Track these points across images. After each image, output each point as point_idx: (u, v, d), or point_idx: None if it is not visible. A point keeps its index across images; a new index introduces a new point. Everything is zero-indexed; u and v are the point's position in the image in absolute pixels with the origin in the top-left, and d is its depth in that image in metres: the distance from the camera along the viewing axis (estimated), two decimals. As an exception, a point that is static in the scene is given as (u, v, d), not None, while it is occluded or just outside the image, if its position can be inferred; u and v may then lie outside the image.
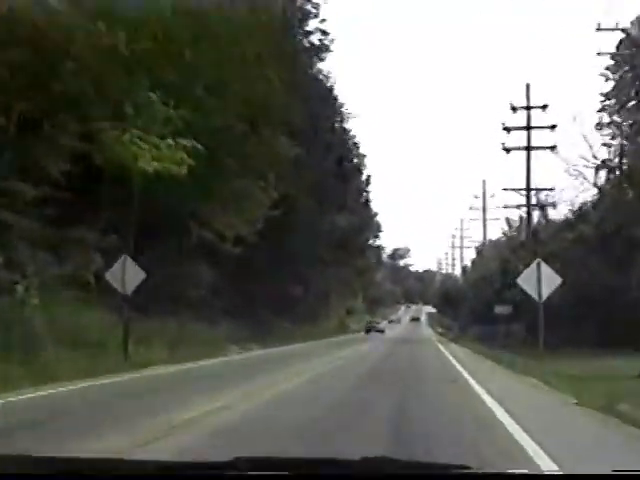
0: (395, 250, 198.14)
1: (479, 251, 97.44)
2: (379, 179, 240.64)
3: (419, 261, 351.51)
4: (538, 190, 37.93)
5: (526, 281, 21.03)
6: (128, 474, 2.10)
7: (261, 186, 31.41)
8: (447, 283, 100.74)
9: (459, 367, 22.47)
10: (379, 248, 73.00)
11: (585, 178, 37.78)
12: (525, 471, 2.29)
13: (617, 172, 37.97)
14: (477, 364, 25.18)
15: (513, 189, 35.75)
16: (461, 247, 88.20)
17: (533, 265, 21.02)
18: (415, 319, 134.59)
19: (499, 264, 54.07)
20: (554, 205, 43.11)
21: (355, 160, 67.27)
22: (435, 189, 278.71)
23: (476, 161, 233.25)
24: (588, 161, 36.76)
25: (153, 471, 2.13)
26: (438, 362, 26.55)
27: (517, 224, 59.42)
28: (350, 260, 66.72)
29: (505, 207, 42.43)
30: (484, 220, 66.66)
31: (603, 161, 37.65)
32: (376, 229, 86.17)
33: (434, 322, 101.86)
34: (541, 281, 20.47)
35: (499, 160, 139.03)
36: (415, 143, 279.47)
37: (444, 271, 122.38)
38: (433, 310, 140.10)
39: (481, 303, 51.09)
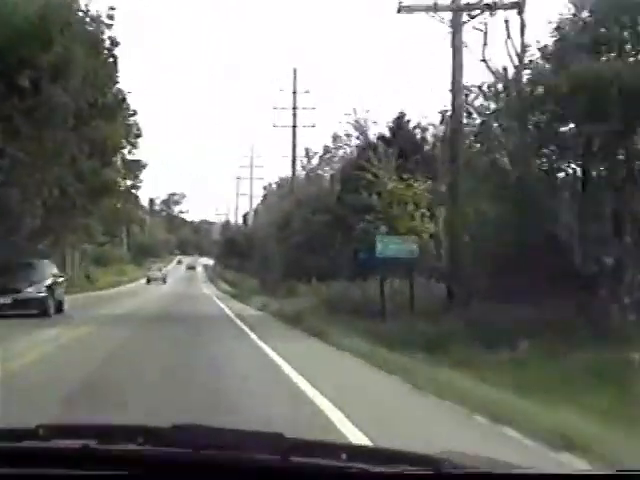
0: (170, 195, 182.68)
1: (265, 195, 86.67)
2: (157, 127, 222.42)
3: (195, 212, 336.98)
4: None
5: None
6: None
7: None
8: (231, 230, 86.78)
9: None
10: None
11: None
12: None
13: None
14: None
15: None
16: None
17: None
18: (191, 267, 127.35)
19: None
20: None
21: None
22: (212, 144, 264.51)
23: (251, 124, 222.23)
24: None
25: None
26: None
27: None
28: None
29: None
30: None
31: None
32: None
33: (215, 276, 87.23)
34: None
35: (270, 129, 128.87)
36: (196, 101, 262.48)
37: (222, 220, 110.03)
38: (210, 262, 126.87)
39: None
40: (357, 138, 43.47)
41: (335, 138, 59.95)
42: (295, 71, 46.95)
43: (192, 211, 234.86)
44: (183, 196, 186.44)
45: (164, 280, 66.36)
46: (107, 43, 39.21)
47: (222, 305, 32.76)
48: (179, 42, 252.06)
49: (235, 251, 74.46)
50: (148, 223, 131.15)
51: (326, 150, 64.50)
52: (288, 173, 51.31)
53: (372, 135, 37.73)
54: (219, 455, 1.88)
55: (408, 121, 33.91)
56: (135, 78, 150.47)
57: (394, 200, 24.55)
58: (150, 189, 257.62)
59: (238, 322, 21.87)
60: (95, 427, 2.29)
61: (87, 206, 42.11)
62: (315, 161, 67.09)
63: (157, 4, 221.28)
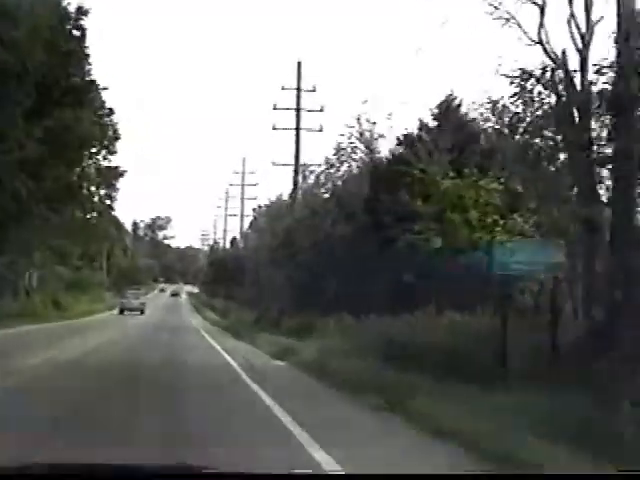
0: (155, 219, 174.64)
1: (254, 217, 79.41)
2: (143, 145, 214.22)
3: (180, 238, 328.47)
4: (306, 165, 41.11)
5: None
6: None
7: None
8: (219, 253, 78.39)
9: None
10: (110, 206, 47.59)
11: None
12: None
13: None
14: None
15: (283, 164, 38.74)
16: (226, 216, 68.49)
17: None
18: (175, 294, 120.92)
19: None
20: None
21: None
22: (200, 162, 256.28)
23: (243, 134, 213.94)
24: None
25: None
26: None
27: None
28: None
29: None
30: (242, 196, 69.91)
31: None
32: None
33: (200, 304, 78.54)
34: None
35: (267, 135, 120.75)
36: (181, 115, 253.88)
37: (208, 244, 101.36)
38: (195, 290, 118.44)
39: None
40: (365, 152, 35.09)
41: (338, 150, 51.43)
42: (299, 65, 38.75)
43: (178, 237, 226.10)
44: (168, 220, 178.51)
45: (142, 311, 53.38)
46: (72, 10, 31.24)
47: (215, 344, 24.20)
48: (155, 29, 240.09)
49: (223, 276, 66.16)
50: (130, 247, 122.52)
51: (328, 163, 55.93)
52: (284, 191, 43.40)
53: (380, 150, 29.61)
54: None
55: (458, 106, 25.98)
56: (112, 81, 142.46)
57: (452, 203, 18.13)
58: (133, 212, 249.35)
59: (262, 396, 11.41)
60: (87, 466, 2.37)
61: (46, 214, 33.86)
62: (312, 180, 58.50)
63: None
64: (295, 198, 40.05)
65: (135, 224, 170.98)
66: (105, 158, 44.17)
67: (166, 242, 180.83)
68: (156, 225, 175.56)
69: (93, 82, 34.01)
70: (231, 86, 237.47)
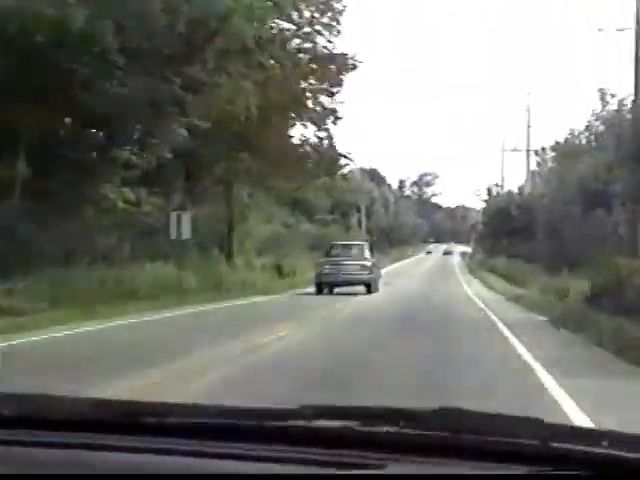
0: (421, 176, 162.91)
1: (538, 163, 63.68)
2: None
3: (449, 198, 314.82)
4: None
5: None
6: (182, 421, 1.92)
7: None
8: (497, 202, 63.13)
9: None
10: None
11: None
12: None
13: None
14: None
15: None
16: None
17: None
18: (447, 253, 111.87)
19: None
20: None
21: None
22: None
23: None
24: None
25: (212, 417, 1.99)
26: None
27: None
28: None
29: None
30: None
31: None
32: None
33: (476, 265, 63.97)
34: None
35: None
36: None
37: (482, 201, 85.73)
38: (468, 249, 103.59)
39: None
40: None
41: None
42: None
43: (446, 196, 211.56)
44: (435, 176, 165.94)
45: (367, 285, 27.75)
46: None
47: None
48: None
49: (503, 230, 51.54)
50: (393, 204, 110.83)
51: None
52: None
53: None
54: (477, 439, 1.80)
55: None
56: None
57: None
58: (399, 171, 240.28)
59: None
60: (355, 409, 2.19)
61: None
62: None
63: None
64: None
65: (401, 182, 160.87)
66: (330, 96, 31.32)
67: (434, 201, 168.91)
68: (423, 182, 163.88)
69: None
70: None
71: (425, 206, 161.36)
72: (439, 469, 1.67)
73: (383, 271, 36.39)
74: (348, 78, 31.13)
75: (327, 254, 29.12)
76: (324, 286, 27.47)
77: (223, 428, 1.85)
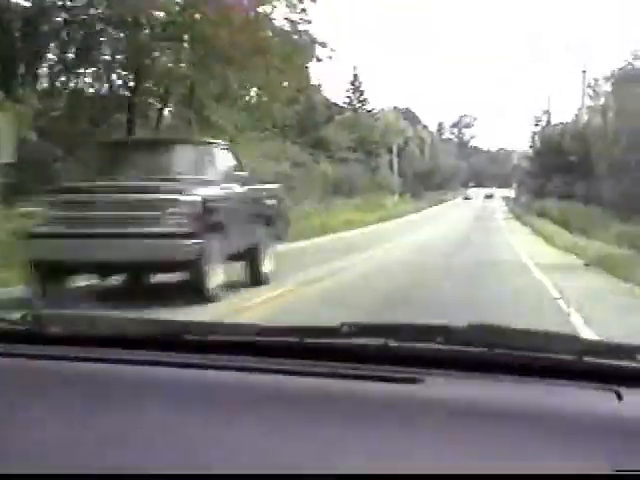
0: (460, 117, 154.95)
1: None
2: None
3: (489, 142, 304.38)
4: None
5: None
6: (222, 339, 1.97)
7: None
8: (549, 135, 55.40)
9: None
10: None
11: None
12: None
13: None
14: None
15: None
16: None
17: None
18: (489, 196, 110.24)
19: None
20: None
21: None
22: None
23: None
24: None
25: (250, 337, 2.01)
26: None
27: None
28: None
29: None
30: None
31: None
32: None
33: (522, 210, 56.45)
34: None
35: None
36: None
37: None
38: (511, 194, 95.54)
39: None
40: None
41: None
42: None
43: (487, 141, 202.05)
44: (474, 119, 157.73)
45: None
46: None
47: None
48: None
49: (555, 167, 44.26)
50: (430, 146, 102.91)
51: None
52: None
53: None
54: (513, 354, 1.83)
55: None
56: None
57: None
58: (438, 114, 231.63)
59: None
60: (395, 326, 2.17)
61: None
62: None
63: None
64: None
65: (440, 125, 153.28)
66: None
67: (473, 145, 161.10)
68: (462, 123, 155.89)
69: None
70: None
71: (465, 149, 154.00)
72: (477, 383, 1.70)
73: (417, 216, 29.70)
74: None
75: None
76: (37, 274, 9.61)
77: (264, 346, 1.90)
